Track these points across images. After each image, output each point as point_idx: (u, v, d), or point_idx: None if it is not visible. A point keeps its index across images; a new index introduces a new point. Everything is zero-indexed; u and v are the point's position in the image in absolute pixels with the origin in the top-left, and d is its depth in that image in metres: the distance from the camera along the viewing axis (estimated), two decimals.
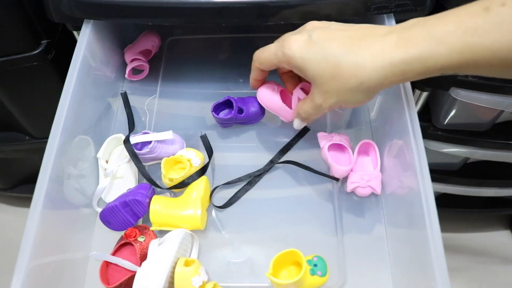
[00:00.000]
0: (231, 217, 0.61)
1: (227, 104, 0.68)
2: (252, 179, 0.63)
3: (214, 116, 0.66)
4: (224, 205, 0.61)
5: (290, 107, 0.58)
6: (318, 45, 0.42)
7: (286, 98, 0.59)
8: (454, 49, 0.36)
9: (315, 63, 0.42)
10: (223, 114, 0.68)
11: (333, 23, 0.46)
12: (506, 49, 0.34)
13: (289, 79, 0.57)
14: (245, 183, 0.63)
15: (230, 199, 0.62)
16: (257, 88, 0.60)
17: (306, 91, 0.57)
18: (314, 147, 0.66)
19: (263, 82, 0.59)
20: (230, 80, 0.74)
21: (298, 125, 0.57)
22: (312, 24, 0.46)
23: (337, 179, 0.62)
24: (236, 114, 0.65)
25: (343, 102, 0.45)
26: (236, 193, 0.62)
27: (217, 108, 0.67)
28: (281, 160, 0.65)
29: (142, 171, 0.60)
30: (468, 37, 0.35)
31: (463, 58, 0.36)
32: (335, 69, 0.41)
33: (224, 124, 0.68)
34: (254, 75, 0.55)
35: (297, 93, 0.56)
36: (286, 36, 0.48)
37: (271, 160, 0.65)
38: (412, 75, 0.39)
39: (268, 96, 0.59)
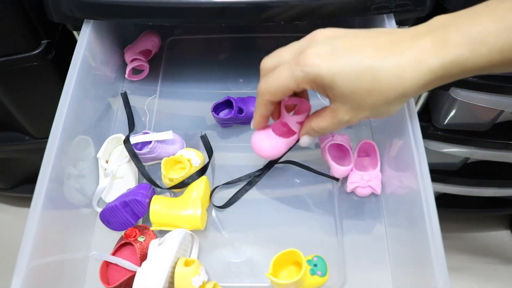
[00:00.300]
0: (231, 217, 0.61)
1: (227, 104, 0.68)
2: (252, 179, 0.63)
3: (214, 116, 0.66)
4: (224, 205, 0.61)
5: (292, 134, 0.52)
6: (346, 57, 0.38)
7: (276, 128, 0.54)
8: (495, 49, 0.34)
9: (349, 78, 0.38)
10: (223, 114, 0.68)
11: (345, 30, 0.41)
12: None
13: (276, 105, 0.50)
14: (245, 183, 0.63)
15: (230, 199, 0.62)
16: (263, 127, 0.51)
17: (289, 107, 0.52)
18: (314, 147, 0.66)
19: (269, 117, 0.50)
20: (230, 80, 0.74)
21: (308, 142, 0.50)
22: (322, 33, 0.41)
23: (337, 179, 0.62)
24: (236, 114, 0.65)
25: (374, 115, 0.41)
26: (236, 193, 0.62)
27: (217, 108, 0.67)
28: (281, 160, 0.65)
29: (142, 171, 0.60)
30: (510, 36, 0.33)
31: (503, 58, 0.35)
32: (372, 83, 0.37)
33: (224, 124, 0.68)
34: (263, 111, 0.46)
35: (293, 118, 0.51)
36: (290, 50, 0.42)
37: (271, 160, 0.65)
38: (448, 79, 0.38)
39: (272, 147, 0.53)
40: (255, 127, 0.51)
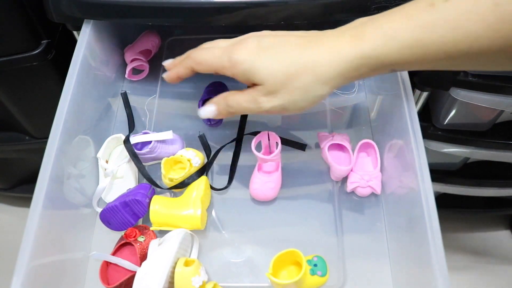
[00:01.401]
0: (231, 217, 0.61)
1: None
2: (237, 143, 0.66)
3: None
4: (225, 186, 0.63)
5: (277, 167, 0.61)
6: (270, 50, 0.42)
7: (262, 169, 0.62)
8: (404, 44, 0.37)
9: (267, 65, 0.41)
10: None
11: (283, 31, 0.45)
12: (453, 43, 0.35)
13: None
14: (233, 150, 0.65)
15: (229, 178, 0.63)
16: (174, 81, 0.50)
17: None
18: (314, 147, 0.66)
19: (181, 79, 0.51)
20: (230, 79, 0.74)
21: (208, 113, 0.49)
22: (259, 32, 0.46)
23: (303, 148, 0.64)
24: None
25: (289, 103, 0.43)
26: (231, 168, 0.63)
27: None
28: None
29: (142, 171, 0.60)
30: (417, 33, 0.36)
31: (413, 53, 0.37)
32: (290, 68, 0.41)
33: (213, 124, 0.68)
34: (181, 72, 0.49)
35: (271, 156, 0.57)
36: (227, 41, 0.47)
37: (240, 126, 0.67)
38: (366, 71, 0.40)
39: (273, 188, 0.60)
40: (166, 78, 0.51)
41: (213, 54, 0.46)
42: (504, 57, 0.35)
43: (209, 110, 0.48)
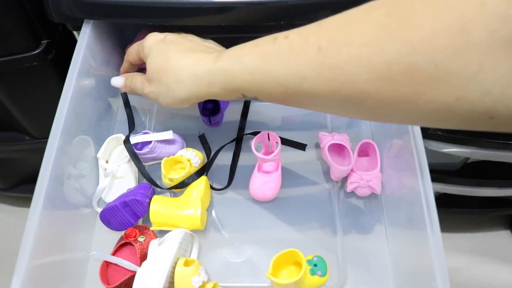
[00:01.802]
0: (231, 217, 0.61)
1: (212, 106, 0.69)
2: (236, 143, 0.66)
3: (202, 118, 0.67)
4: (226, 186, 0.63)
5: (277, 167, 0.62)
6: (165, 44, 0.47)
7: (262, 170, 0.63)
8: (246, 68, 0.39)
9: (154, 55, 0.47)
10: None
11: (191, 35, 0.51)
12: (285, 77, 0.36)
13: None
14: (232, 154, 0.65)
15: (229, 178, 0.63)
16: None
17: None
18: (314, 147, 0.66)
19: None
20: None
21: (115, 83, 0.55)
22: (175, 33, 0.51)
23: (303, 148, 0.65)
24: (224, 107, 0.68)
25: (158, 95, 0.47)
26: (231, 169, 0.63)
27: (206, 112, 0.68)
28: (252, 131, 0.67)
29: (142, 171, 0.60)
30: (258, 61, 0.38)
31: (254, 80, 0.38)
32: (165, 63, 0.46)
33: (212, 123, 0.68)
34: (125, 66, 0.57)
35: (270, 156, 0.58)
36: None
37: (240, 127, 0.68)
38: (217, 90, 0.42)
39: (272, 188, 0.60)
40: (121, 72, 0.58)
41: (136, 44, 0.52)
42: (337, 102, 0.34)
43: (118, 81, 0.54)
